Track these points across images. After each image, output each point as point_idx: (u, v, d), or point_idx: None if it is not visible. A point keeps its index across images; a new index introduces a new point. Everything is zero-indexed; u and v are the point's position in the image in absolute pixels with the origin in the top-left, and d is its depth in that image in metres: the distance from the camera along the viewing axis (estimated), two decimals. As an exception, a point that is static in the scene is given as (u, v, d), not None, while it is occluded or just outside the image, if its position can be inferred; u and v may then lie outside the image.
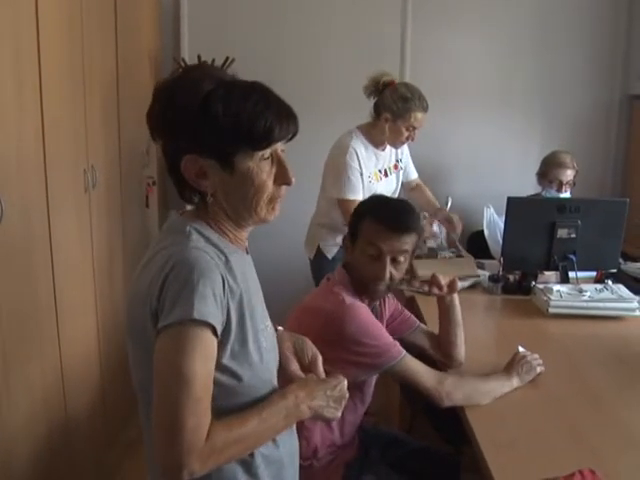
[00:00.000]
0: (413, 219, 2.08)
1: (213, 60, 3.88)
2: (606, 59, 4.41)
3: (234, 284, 1.30)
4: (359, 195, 3.17)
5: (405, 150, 3.58)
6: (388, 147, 3.40)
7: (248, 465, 1.37)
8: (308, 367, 1.57)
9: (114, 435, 3.19)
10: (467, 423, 1.89)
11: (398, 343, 2.01)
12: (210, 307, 1.21)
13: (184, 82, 1.31)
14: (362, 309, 2.02)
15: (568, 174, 3.66)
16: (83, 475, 2.74)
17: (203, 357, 1.21)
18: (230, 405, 1.31)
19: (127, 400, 3.34)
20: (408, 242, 2.05)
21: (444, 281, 2.20)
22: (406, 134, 3.23)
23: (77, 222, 2.67)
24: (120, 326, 3.21)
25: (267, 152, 1.32)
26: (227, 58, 3.89)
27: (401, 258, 2.05)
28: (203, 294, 1.20)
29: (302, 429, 1.92)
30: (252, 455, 1.37)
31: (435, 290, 2.21)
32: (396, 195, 3.52)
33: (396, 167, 3.51)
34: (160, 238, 1.37)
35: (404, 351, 1.99)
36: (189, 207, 1.44)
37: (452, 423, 1.97)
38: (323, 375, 1.54)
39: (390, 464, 2.21)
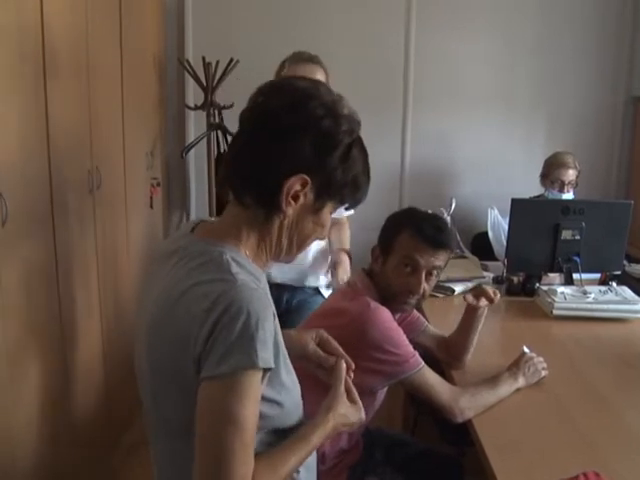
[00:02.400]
0: (450, 236, 2.11)
1: (217, 62, 3.91)
2: (610, 61, 4.41)
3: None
4: None
5: None
6: None
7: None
8: (330, 351, 1.55)
9: (117, 437, 3.20)
10: (471, 425, 1.89)
11: (417, 353, 2.00)
12: (269, 351, 1.18)
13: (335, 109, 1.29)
14: (386, 314, 2.00)
15: (570, 174, 3.65)
16: (86, 477, 2.74)
17: (255, 401, 1.17)
18: (273, 435, 1.30)
19: (131, 402, 3.34)
20: (444, 258, 2.07)
21: (491, 292, 2.21)
22: None
23: (81, 223, 2.67)
24: (125, 328, 3.22)
25: None
26: (231, 59, 3.90)
27: (434, 273, 2.06)
28: (264, 340, 1.16)
29: None
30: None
31: (483, 302, 2.22)
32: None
33: None
34: (188, 265, 1.27)
35: (422, 362, 1.98)
36: (209, 218, 1.42)
37: (456, 425, 1.97)
38: (347, 356, 1.53)
39: (393, 466, 2.21)
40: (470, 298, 2.22)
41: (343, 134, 1.28)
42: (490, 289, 2.22)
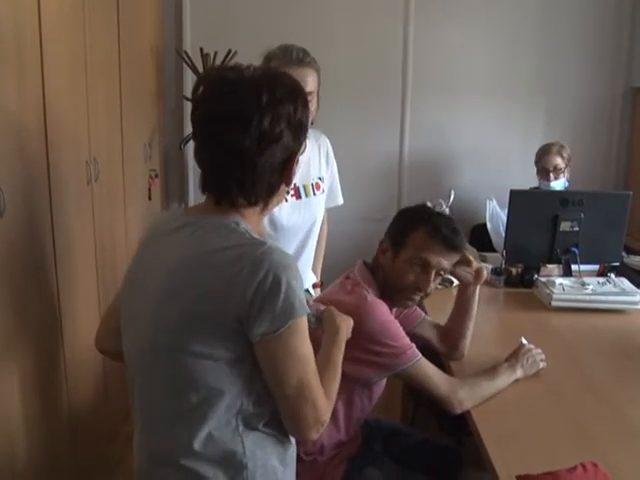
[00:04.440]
0: (463, 239, 2.12)
1: (215, 53, 3.90)
2: (609, 52, 4.40)
3: None
4: None
5: (331, 162, 2.74)
6: (307, 151, 2.40)
7: (282, 456, 1.46)
8: None
9: (116, 427, 3.20)
10: (469, 416, 1.90)
11: (414, 345, 2.00)
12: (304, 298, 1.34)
13: None
14: (383, 307, 2.01)
15: (552, 160, 3.65)
16: (85, 468, 2.75)
17: (308, 339, 1.35)
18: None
19: (128, 394, 3.35)
20: (454, 260, 2.08)
21: (475, 265, 2.23)
22: None
23: (79, 215, 2.67)
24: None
25: None
26: (229, 51, 3.89)
27: (442, 273, 2.08)
28: (302, 289, 1.33)
29: None
30: (285, 444, 1.47)
31: (463, 268, 2.23)
32: (317, 228, 2.69)
33: (317, 187, 2.62)
34: (207, 234, 1.37)
35: (419, 354, 1.98)
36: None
37: (454, 416, 1.97)
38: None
39: (392, 457, 2.22)
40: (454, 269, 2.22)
41: (305, 111, 1.42)
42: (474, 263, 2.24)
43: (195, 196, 4.49)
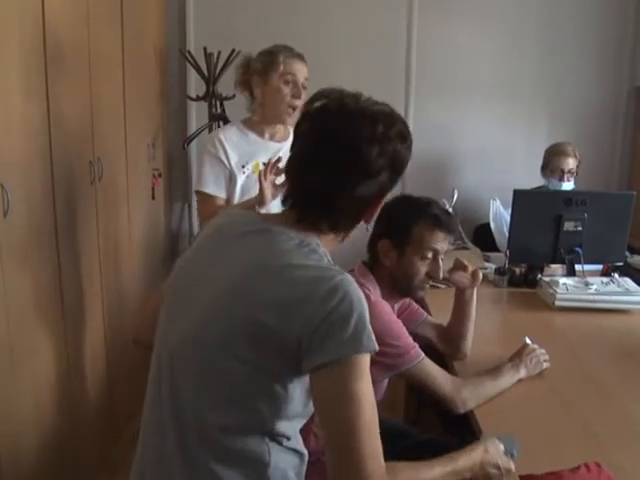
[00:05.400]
0: (452, 216, 2.20)
1: (219, 53, 3.90)
2: (613, 51, 4.39)
3: None
4: (211, 189, 2.65)
5: None
6: (288, 141, 2.45)
7: (299, 469, 1.44)
8: None
9: (119, 429, 3.21)
10: (472, 415, 1.90)
11: (417, 345, 2.00)
12: (372, 336, 1.28)
13: None
14: (386, 307, 2.02)
15: (569, 162, 3.64)
16: (88, 469, 2.75)
17: (369, 380, 1.28)
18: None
19: (133, 394, 3.35)
20: (451, 239, 2.16)
21: (470, 268, 2.25)
22: (287, 91, 2.57)
23: (83, 214, 2.67)
24: (127, 319, 3.22)
25: None
26: (233, 50, 3.89)
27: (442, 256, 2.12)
28: (370, 327, 1.28)
29: (312, 425, 1.91)
30: (303, 458, 1.45)
31: (459, 274, 2.24)
32: None
33: None
34: (286, 244, 1.34)
35: (423, 353, 1.98)
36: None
37: (458, 415, 1.97)
38: None
39: (395, 456, 2.21)
40: (446, 275, 2.24)
41: (407, 155, 1.44)
42: (470, 267, 2.26)
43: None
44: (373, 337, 1.26)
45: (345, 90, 1.43)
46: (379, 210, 1.48)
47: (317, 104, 1.40)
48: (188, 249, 1.56)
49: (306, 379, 1.29)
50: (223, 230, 1.49)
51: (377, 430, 1.24)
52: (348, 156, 1.34)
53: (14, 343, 2.11)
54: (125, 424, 3.26)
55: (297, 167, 1.41)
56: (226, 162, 2.66)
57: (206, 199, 2.66)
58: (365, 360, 1.25)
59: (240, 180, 2.66)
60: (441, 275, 2.11)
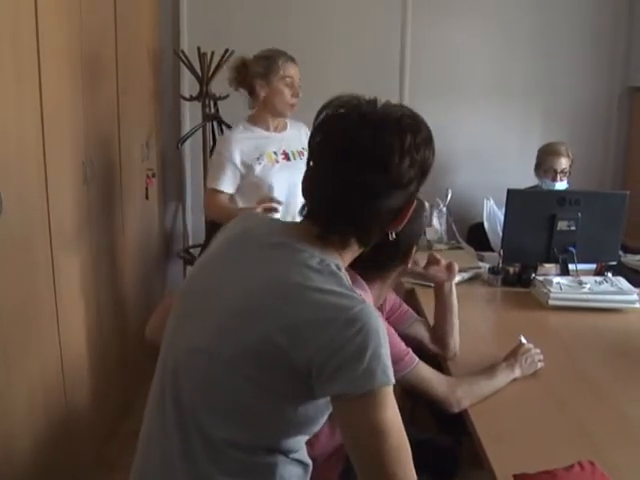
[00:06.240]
0: None
1: (212, 53, 3.89)
2: (607, 51, 4.41)
3: None
4: (222, 186, 2.99)
5: None
6: (290, 130, 3.13)
7: (307, 470, 1.43)
8: None
9: (114, 427, 3.20)
10: (467, 415, 1.90)
11: (411, 350, 1.99)
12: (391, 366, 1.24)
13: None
14: (376, 313, 1.99)
15: (562, 162, 3.64)
16: (83, 467, 2.75)
17: (393, 408, 1.22)
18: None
19: (127, 392, 3.35)
20: None
21: (443, 262, 2.23)
22: (287, 91, 2.98)
23: (77, 215, 2.67)
24: (121, 319, 3.22)
25: None
26: (226, 50, 3.89)
27: None
28: (389, 357, 1.22)
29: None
30: (307, 469, 1.44)
31: (434, 268, 2.23)
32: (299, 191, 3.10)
33: (302, 153, 3.09)
34: (307, 262, 1.28)
35: (417, 358, 1.97)
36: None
37: (452, 415, 1.97)
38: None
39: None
40: (419, 269, 2.23)
41: (433, 159, 1.40)
42: (443, 260, 2.25)
43: (192, 195, 4.49)
44: (389, 371, 1.20)
45: (360, 96, 1.34)
46: None
47: (334, 113, 1.33)
48: (204, 253, 1.51)
49: (320, 401, 1.26)
50: (244, 238, 1.42)
51: (408, 456, 1.21)
52: (378, 170, 1.27)
53: (8, 343, 2.10)
54: (120, 423, 3.25)
55: (318, 183, 1.34)
56: (237, 161, 2.97)
57: (216, 195, 2.99)
58: (384, 391, 1.20)
59: (257, 170, 2.98)
60: (418, 267, 2.09)
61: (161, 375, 1.39)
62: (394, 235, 1.38)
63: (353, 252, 1.38)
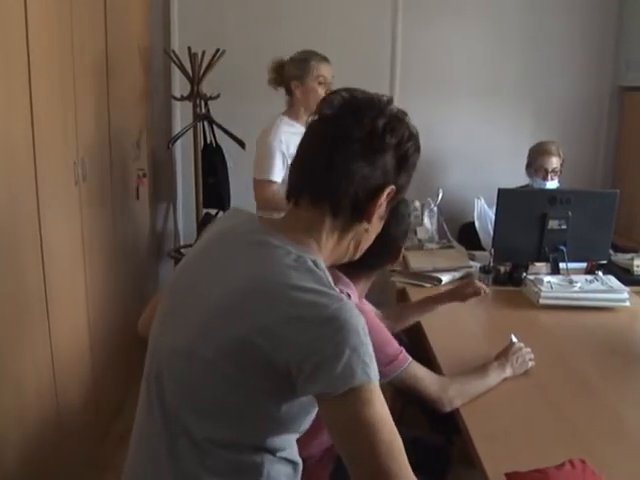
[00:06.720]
0: None
1: (203, 52, 3.89)
2: (596, 50, 4.42)
3: None
4: (275, 177, 3.17)
5: None
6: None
7: (292, 477, 1.42)
8: None
9: (106, 428, 3.20)
10: (458, 414, 1.90)
11: (404, 349, 2.00)
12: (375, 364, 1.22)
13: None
14: (369, 314, 2.00)
15: (553, 162, 3.66)
16: (75, 468, 2.74)
17: (381, 403, 1.21)
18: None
19: (119, 393, 3.35)
20: None
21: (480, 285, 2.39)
22: (321, 90, 3.20)
23: (67, 215, 2.66)
24: (112, 318, 3.21)
25: None
26: (217, 50, 3.89)
27: None
28: (372, 354, 1.21)
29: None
30: (297, 467, 1.43)
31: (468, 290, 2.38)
32: None
33: None
34: (283, 261, 1.26)
35: (409, 357, 1.97)
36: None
37: (444, 414, 1.97)
38: None
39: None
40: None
41: (415, 153, 1.38)
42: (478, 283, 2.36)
43: (183, 195, 4.48)
44: (369, 369, 1.18)
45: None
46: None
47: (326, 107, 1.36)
48: (190, 249, 1.51)
49: (304, 398, 1.25)
50: (228, 236, 1.42)
51: (401, 451, 1.19)
52: (355, 121, 1.29)
53: (-2, 345, 2.10)
54: (111, 423, 3.25)
55: (296, 159, 1.39)
56: (285, 151, 3.16)
57: (270, 186, 3.16)
58: (367, 389, 1.18)
59: None
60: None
61: (147, 375, 1.39)
62: (368, 225, 1.37)
63: (334, 244, 1.37)
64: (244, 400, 1.25)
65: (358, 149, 1.29)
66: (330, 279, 1.28)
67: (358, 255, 1.44)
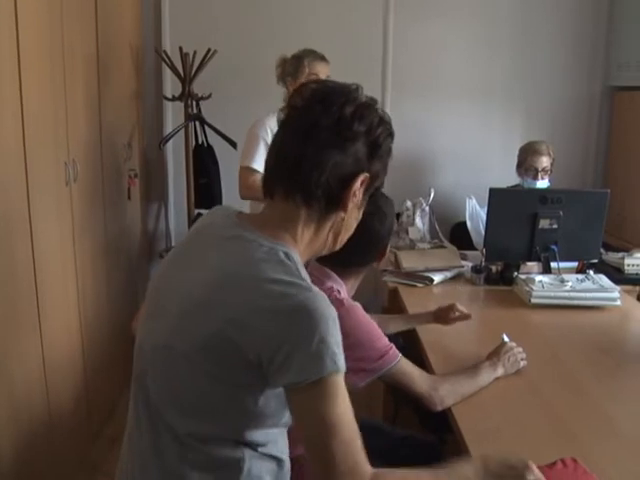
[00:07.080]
0: None
1: (195, 52, 3.88)
2: (587, 50, 4.44)
3: None
4: (256, 165, 3.16)
5: None
6: None
7: (277, 474, 1.41)
8: None
9: (97, 430, 3.19)
10: (450, 413, 1.90)
11: (394, 345, 2.00)
12: (342, 354, 1.22)
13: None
14: (359, 310, 1.99)
15: (543, 161, 3.67)
16: (67, 470, 2.73)
17: (344, 399, 1.22)
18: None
19: (110, 394, 3.34)
20: None
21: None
22: None
23: (58, 215, 2.65)
24: (104, 321, 3.20)
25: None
26: (209, 50, 3.88)
27: None
28: (339, 344, 1.21)
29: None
30: (282, 464, 1.42)
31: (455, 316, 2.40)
32: None
33: None
34: (255, 255, 1.27)
35: (399, 353, 1.97)
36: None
37: (436, 413, 1.98)
38: None
39: (373, 454, 2.21)
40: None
41: (387, 138, 1.37)
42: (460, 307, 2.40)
43: (175, 195, 4.47)
44: (338, 358, 1.20)
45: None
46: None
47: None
48: (172, 249, 1.53)
49: (281, 391, 1.25)
50: (205, 233, 1.44)
51: (359, 446, 1.22)
52: (323, 109, 1.30)
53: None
54: (103, 424, 3.24)
55: (269, 153, 1.40)
56: (269, 141, 3.02)
57: (251, 173, 3.15)
58: (335, 380, 1.20)
59: None
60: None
61: (134, 375, 1.41)
62: (344, 214, 1.36)
63: (311, 235, 1.37)
64: (222, 394, 1.26)
65: (327, 137, 1.29)
66: (303, 270, 1.28)
67: (338, 246, 1.43)
